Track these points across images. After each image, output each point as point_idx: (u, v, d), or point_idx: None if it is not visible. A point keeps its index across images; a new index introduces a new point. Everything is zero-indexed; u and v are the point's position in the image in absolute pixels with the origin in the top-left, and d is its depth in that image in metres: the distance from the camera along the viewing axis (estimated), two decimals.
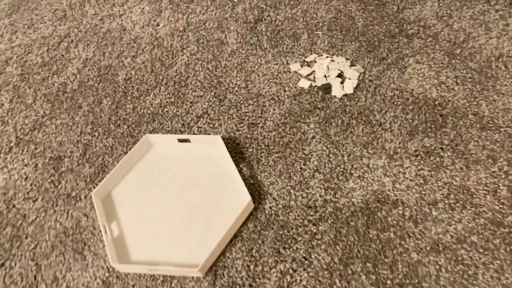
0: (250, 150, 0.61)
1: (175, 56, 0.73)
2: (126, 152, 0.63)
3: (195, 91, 0.68)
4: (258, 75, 0.68)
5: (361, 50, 0.68)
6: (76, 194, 0.60)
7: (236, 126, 0.63)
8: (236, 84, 0.68)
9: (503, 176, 0.54)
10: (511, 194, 0.53)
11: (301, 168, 0.59)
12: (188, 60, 0.72)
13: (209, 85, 0.68)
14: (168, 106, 0.67)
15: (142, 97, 0.68)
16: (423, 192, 0.55)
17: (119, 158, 0.63)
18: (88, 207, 0.59)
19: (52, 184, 0.62)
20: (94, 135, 0.66)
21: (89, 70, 0.73)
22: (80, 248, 0.56)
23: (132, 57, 0.74)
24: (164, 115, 0.66)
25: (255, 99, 0.65)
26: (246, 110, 0.65)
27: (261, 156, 0.60)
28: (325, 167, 0.58)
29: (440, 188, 0.55)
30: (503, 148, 0.56)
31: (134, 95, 0.69)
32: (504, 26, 0.68)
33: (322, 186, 0.57)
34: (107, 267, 0.54)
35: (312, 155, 0.59)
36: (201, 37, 0.75)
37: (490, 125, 0.59)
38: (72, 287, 0.53)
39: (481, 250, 0.50)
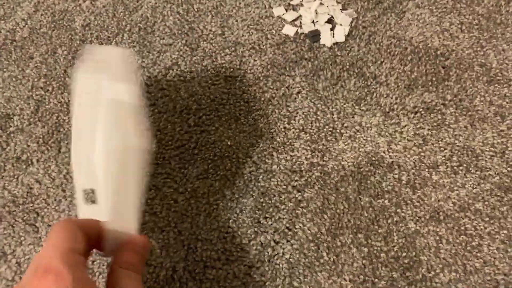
0: (227, 107, 0.53)
1: None
2: None
3: (163, 38, 0.59)
4: (237, 21, 0.59)
5: None
6: (27, 157, 0.52)
7: (211, 79, 0.55)
8: (211, 30, 0.59)
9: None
10: None
11: (285, 127, 0.51)
12: (156, 3, 0.62)
13: (180, 32, 0.59)
14: (132, 57, 0.58)
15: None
16: (422, 154, 0.48)
17: None
18: (41, 172, 0.51)
19: None
20: (48, 90, 0.57)
21: (41, 15, 0.64)
22: (32, 219, 0.49)
23: (91, 0, 0.64)
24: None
25: (233, 48, 0.57)
26: (223, 61, 0.56)
27: (240, 114, 0.53)
28: (312, 126, 0.51)
29: (442, 149, 0.48)
30: None
31: (93, 44, 0.60)
32: None
33: (308, 148, 0.50)
34: None
35: (297, 112, 0.52)
36: None
37: (498, 78, 0.52)
38: (23, 264, 0.46)
39: (486, 219, 0.45)
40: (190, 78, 0.56)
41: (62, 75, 0.58)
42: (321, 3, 0.58)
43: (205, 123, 0.53)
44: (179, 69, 0.57)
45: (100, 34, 0.60)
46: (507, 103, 0.50)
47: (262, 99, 0.53)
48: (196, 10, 0.61)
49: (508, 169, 0.46)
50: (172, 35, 0.59)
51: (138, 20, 0.61)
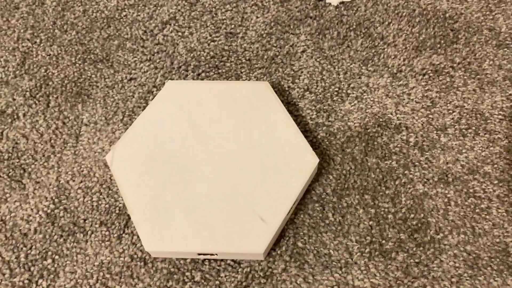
0: (228, 64, 0.51)
1: None
2: (75, 63, 0.51)
3: None
4: None
5: None
6: (12, 111, 0.49)
7: (210, 35, 0.53)
8: None
9: None
10: None
11: (289, 86, 0.49)
12: None
13: None
14: (126, 10, 0.55)
15: None
16: (431, 116, 0.47)
17: (66, 70, 0.51)
18: (28, 126, 0.48)
19: None
20: (35, 42, 0.53)
21: None
22: (18, 175, 0.46)
23: None
24: (121, 20, 0.54)
25: (234, 4, 0.54)
26: (223, 17, 0.54)
27: (241, 72, 0.50)
28: (317, 86, 0.49)
29: (450, 111, 0.47)
30: None
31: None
32: None
33: (313, 108, 0.48)
34: (52, 198, 0.44)
35: (302, 72, 0.50)
36: None
37: (507, 42, 0.51)
38: (8, 221, 0.43)
39: (495, 182, 0.44)
40: (189, 33, 0.53)
41: (51, 27, 0.54)
42: None
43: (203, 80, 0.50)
44: (176, 24, 0.53)
45: None
46: None
47: (265, 57, 0.51)
48: None
49: None
50: None
51: None
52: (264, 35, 0.52)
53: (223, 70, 0.51)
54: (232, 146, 0.43)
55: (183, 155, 0.43)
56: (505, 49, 0.50)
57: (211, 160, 0.43)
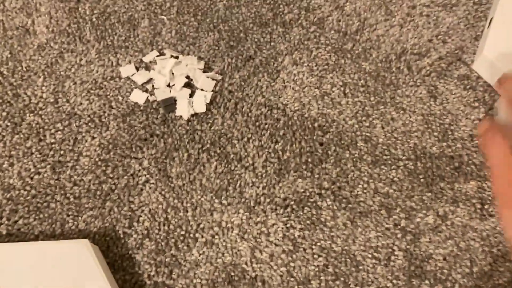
0: (53, 206, 0.41)
1: None
2: None
3: None
4: (75, 83, 0.47)
5: (220, 45, 0.49)
6: None
7: (35, 166, 0.43)
8: (41, 97, 0.46)
9: (399, 235, 0.40)
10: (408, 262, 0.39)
11: (125, 233, 0.40)
12: None
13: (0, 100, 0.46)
14: None
15: None
16: (292, 264, 0.39)
17: None
18: None
19: None
20: None
21: None
22: None
23: None
24: None
25: (67, 122, 0.45)
26: (52, 140, 0.44)
27: (68, 216, 0.41)
28: (159, 230, 0.40)
29: (316, 256, 0.39)
30: (401, 193, 0.41)
31: None
32: (409, 9, 0.51)
33: (152, 262, 0.39)
34: None
35: (142, 211, 0.41)
36: None
37: (385, 157, 0.43)
38: None
39: None
40: (8, 165, 0.43)
41: None
42: (178, 61, 0.47)
43: (21, 230, 0.41)
44: None
45: None
46: (394, 190, 0.41)
47: (98, 193, 0.42)
48: (25, 69, 0.48)
49: (394, 281, 0.38)
50: None
51: None
52: (99, 163, 0.43)
53: (46, 215, 0.41)
54: None
55: None
56: (383, 166, 0.43)
57: None
